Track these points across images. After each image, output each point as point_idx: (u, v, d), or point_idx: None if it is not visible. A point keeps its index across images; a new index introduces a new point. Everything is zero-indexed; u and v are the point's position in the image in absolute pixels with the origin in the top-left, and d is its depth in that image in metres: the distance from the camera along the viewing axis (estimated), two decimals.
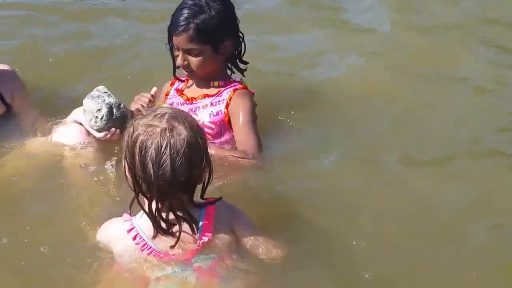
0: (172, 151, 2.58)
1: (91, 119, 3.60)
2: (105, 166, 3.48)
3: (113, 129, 3.60)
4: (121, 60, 4.82)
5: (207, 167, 2.74)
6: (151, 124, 2.62)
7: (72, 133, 3.63)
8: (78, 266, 2.94)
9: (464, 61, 4.93)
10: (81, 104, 3.66)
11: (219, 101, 3.64)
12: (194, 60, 3.55)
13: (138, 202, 2.73)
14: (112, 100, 3.60)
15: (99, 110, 3.57)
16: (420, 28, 5.42)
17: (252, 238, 2.88)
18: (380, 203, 3.49)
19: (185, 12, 3.50)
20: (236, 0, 3.72)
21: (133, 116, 3.55)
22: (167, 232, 2.73)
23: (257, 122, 3.66)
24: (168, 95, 3.87)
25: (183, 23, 3.49)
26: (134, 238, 2.77)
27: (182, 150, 2.59)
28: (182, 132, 2.62)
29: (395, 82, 4.64)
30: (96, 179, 3.44)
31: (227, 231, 2.84)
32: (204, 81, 3.70)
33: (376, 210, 3.44)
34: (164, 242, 2.77)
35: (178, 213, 2.72)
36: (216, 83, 3.67)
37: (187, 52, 3.54)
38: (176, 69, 3.75)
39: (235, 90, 3.63)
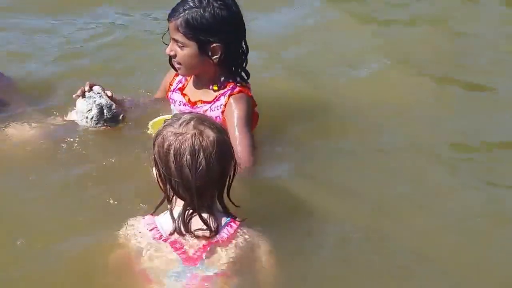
0: (206, 153, 2.76)
1: (81, 119, 3.69)
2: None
3: (102, 128, 3.67)
4: (122, 58, 4.81)
5: (233, 160, 2.90)
6: (180, 132, 2.79)
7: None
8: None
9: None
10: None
11: (216, 107, 3.64)
12: (179, 52, 3.56)
13: (169, 201, 2.88)
14: (103, 101, 3.66)
15: (89, 110, 3.65)
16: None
17: (261, 271, 2.92)
18: (381, 211, 3.49)
19: (185, 3, 3.52)
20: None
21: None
22: (186, 232, 2.83)
23: (254, 123, 3.67)
24: (171, 85, 3.87)
25: (177, 11, 3.51)
26: (151, 230, 2.87)
27: (214, 150, 2.77)
28: (210, 134, 2.79)
29: (406, 87, 4.64)
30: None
31: (244, 252, 2.87)
32: (201, 83, 3.70)
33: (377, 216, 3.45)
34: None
35: (204, 215, 2.83)
36: (215, 87, 3.66)
37: (175, 42, 3.55)
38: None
39: (230, 95, 3.61)
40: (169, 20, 3.53)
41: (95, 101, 3.64)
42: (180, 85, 3.80)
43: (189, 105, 3.70)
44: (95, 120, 3.63)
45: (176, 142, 2.76)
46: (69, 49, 4.94)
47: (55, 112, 3.85)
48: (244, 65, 3.67)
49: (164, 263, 2.83)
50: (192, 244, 2.83)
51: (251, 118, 3.62)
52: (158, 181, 2.88)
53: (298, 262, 3.10)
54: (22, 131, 3.72)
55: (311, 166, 3.77)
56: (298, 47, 5.10)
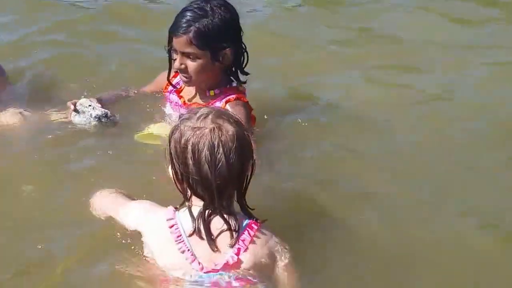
0: (225, 148, 2.63)
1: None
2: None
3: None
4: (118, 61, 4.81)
5: (252, 158, 2.78)
6: (198, 127, 2.65)
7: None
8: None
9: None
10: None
11: None
12: (191, 65, 3.52)
13: (187, 200, 2.76)
14: (98, 112, 3.74)
15: (89, 123, 3.74)
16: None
17: (284, 275, 2.80)
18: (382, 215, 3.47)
19: (188, 15, 3.47)
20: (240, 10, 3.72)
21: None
22: (206, 237, 2.71)
23: (253, 125, 3.67)
24: (169, 85, 3.84)
25: (184, 25, 3.46)
26: (171, 227, 2.75)
27: (234, 146, 2.64)
28: (229, 128, 2.65)
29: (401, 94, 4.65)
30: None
31: (263, 256, 2.76)
32: (200, 86, 3.68)
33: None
34: (198, 243, 2.74)
35: (224, 215, 2.71)
36: (212, 93, 3.65)
37: (186, 55, 3.50)
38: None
39: (227, 101, 3.59)
40: (175, 35, 3.48)
41: (91, 114, 3.72)
42: (178, 87, 3.78)
43: (184, 107, 3.70)
44: (96, 130, 3.73)
45: (194, 137, 2.62)
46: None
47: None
48: (244, 65, 3.67)
49: (183, 267, 2.72)
50: (212, 247, 2.71)
51: (249, 123, 3.60)
52: (174, 180, 2.74)
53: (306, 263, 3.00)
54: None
55: (313, 167, 3.76)
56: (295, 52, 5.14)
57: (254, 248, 2.73)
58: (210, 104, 3.63)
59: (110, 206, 3.00)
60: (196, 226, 2.70)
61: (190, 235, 2.72)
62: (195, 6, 3.49)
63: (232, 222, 2.71)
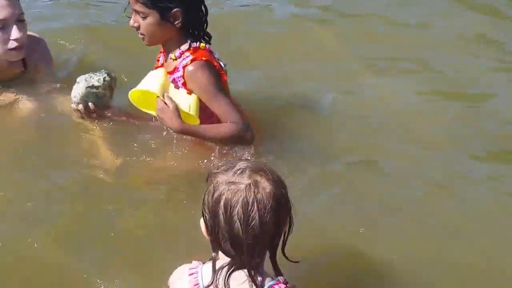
0: (260, 206, 2.47)
1: (73, 91, 3.82)
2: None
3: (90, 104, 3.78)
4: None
5: (289, 216, 2.65)
6: (233, 181, 2.49)
7: None
8: None
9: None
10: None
11: (177, 78, 3.67)
12: (142, 23, 3.64)
13: (215, 252, 2.64)
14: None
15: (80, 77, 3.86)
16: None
17: None
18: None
19: None
20: None
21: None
22: None
23: (225, 81, 3.72)
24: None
25: None
26: (190, 275, 2.68)
27: (270, 204, 2.49)
28: (266, 186, 2.50)
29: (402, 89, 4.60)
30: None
31: None
32: (166, 53, 3.76)
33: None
34: None
35: (251, 273, 2.58)
36: (173, 56, 3.70)
37: (137, 13, 3.64)
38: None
39: (184, 67, 3.63)
40: None
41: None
42: (159, 64, 3.86)
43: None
44: (85, 79, 3.77)
45: (228, 192, 2.47)
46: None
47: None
48: (205, 27, 3.74)
49: None
50: None
51: (217, 80, 3.64)
52: (204, 232, 2.61)
53: None
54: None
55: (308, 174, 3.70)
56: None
57: None
58: (174, 70, 3.68)
59: None
60: (215, 280, 2.59)
61: (208, 287, 2.61)
62: None
63: (258, 281, 2.59)
